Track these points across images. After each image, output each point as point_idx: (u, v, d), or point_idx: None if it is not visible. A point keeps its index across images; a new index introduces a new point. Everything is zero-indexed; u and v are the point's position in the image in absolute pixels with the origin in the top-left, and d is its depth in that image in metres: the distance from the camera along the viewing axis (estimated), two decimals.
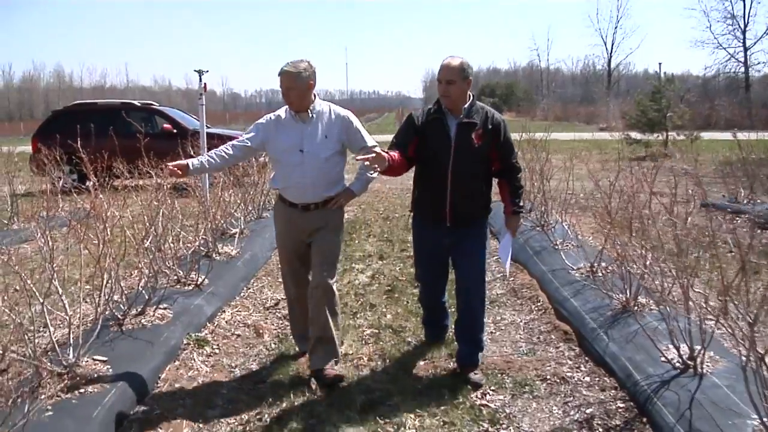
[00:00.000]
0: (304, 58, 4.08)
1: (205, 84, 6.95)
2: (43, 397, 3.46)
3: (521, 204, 4.29)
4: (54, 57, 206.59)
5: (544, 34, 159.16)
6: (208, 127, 15.48)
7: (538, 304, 5.49)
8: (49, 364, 3.75)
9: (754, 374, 2.83)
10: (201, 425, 3.64)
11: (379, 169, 3.83)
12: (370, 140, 4.21)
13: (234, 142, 4.28)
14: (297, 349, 4.66)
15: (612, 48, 64.33)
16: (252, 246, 7.26)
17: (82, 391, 3.64)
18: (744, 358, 2.93)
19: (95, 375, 3.84)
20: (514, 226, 4.29)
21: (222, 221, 7.35)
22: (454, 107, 4.00)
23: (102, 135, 12.49)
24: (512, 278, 6.25)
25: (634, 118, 19.15)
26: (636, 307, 4.50)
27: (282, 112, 4.23)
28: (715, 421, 3.03)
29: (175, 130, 14.43)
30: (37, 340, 3.81)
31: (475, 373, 4.12)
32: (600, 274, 5.28)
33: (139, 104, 15.94)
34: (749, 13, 43.66)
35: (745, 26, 43.68)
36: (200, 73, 6.87)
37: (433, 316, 4.67)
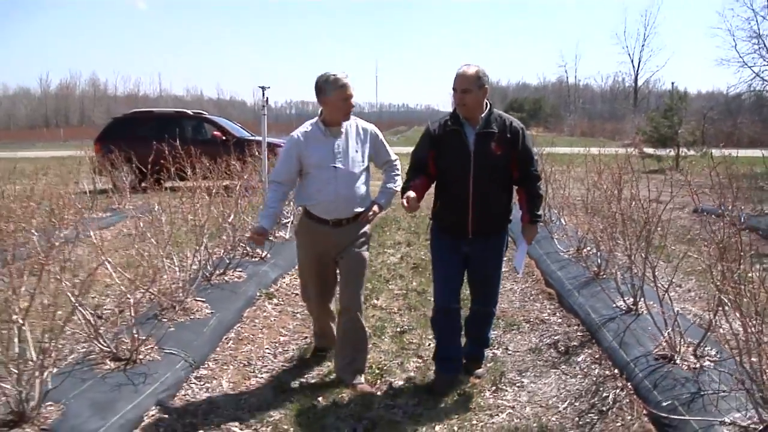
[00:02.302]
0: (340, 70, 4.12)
1: (267, 98, 8.37)
2: (165, 320, 4.92)
3: (539, 213, 4.29)
4: (89, 65, 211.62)
5: (572, 50, 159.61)
6: (251, 135, 17.09)
7: (533, 277, 6.87)
8: (165, 300, 5.22)
9: (663, 312, 4.20)
10: (276, 344, 5.08)
11: (412, 211, 3.98)
12: (392, 153, 4.37)
13: (273, 181, 4.29)
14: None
15: (639, 65, 65.19)
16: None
17: (192, 317, 5.09)
18: (660, 300, 4.29)
19: (199, 309, 5.30)
20: (531, 236, 4.27)
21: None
22: (471, 116, 3.97)
23: (157, 140, 14.14)
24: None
25: (647, 134, 20.34)
26: (603, 276, 5.85)
27: (309, 126, 4.22)
28: (638, 340, 4.39)
29: (224, 137, 15.91)
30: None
31: (478, 368, 4.47)
32: (583, 255, 6.65)
33: (191, 113, 17.46)
34: None
35: None
36: (263, 88, 8.30)
37: (447, 343, 4.30)
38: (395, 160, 4.37)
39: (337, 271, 4.37)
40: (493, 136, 3.95)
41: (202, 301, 5.45)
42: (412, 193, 3.91)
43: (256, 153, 9.60)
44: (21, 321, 3.36)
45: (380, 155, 4.34)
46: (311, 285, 4.46)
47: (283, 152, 4.28)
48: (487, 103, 4.01)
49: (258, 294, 6.18)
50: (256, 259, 7.02)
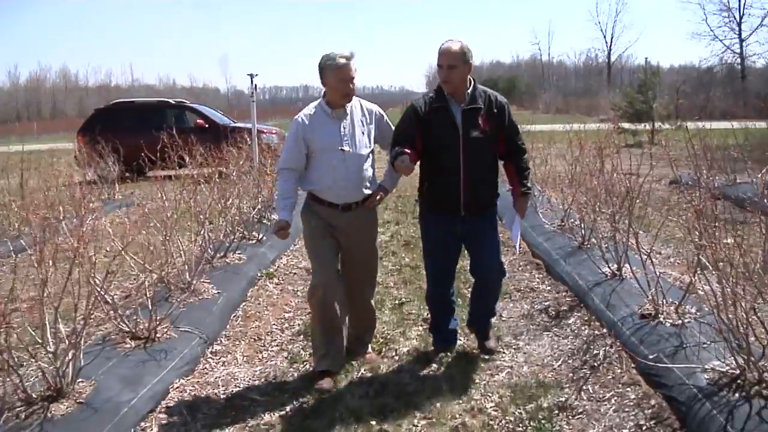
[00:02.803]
0: (346, 50, 4.02)
1: (255, 85, 8.58)
2: (174, 303, 5.15)
3: (529, 185, 4.31)
4: (60, 57, 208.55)
5: (545, 28, 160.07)
6: (233, 122, 17.21)
7: (521, 249, 7.17)
8: (174, 282, 5.45)
9: (646, 274, 4.53)
10: (282, 320, 5.34)
11: (406, 174, 3.88)
12: None
13: (284, 169, 4.17)
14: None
15: (611, 42, 65.73)
16: (295, 216, 8.95)
17: (200, 298, 5.33)
18: (643, 264, 4.62)
19: (206, 290, 5.54)
20: (523, 207, 4.30)
21: (271, 197, 9.03)
22: (456, 93, 3.97)
23: (140, 130, 14.26)
24: (501, 234, 7.93)
25: (622, 110, 20.76)
26: (587, 245, 6.17)
27: (312, 108, 4.14)
28: (623, 301, 4.71)
29: (207, 125, 16.00)
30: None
31: (488, 340, 4.48)
32: (567, 226, 6.97)
33: (173, 102, 17.51)
34: (744, 4, 45.01)
35: (741, 18, 45.07)
36: (251, 76, 8.52)
37: (442, 318, 4.46)
38: None
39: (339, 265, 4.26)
40: (479, 112, 3.96)
41: (208, 283, 5.69)
42: (406, 156, 3.78)
43: (240, 139, 9.74)
44: (55, 305, 3.58)
45: (386, 137, 4.24)
46: (319, 251, 4.17)
47: (289, 137, 4.19)
48: (470, 79, 4.01)
49: (259, 274, 6.44)
50: (254, 242, 7.26)
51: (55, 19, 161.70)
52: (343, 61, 3.93)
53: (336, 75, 3.95)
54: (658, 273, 4.53)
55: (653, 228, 7.38)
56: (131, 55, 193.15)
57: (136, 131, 14.49)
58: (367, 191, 4.13)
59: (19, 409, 3.40)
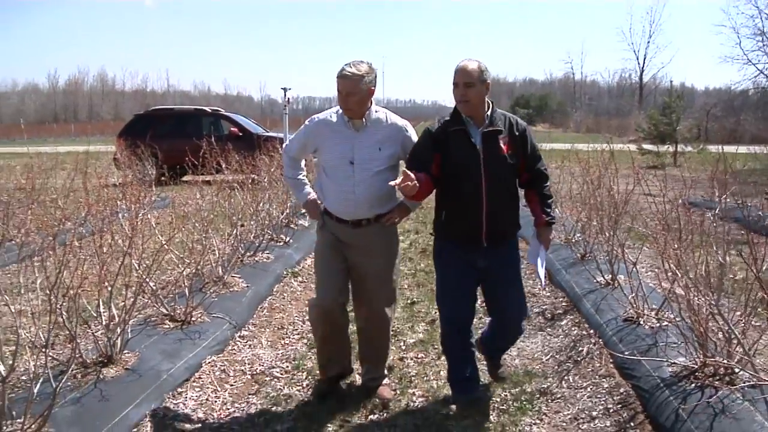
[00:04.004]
0: (364, 60, 3.77)
1: (288, 98, 9.19)
2: (208, 293, 5.74)
3: (553, 214, 3.97)
4: (98, 61, 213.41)
5: (578, 47, 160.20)
6: (266, 132, 17.88)
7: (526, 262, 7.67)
8: (208, 274, 6.05)
9: (630, 283, 5.02)
10: (303, 313, 5.90)
11: (407, 194, 3.54)
12: None
13: (288, 155, 4.17)
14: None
15: (644, 62, 65.80)
16: None
17: (231, 290, 5.93)
18: (628, 273, 5.11)
19: (236, 283, 6.13)
20: (547, 238, 4.01)
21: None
22: (474, 114, 3.71)
23: (177, 136, 15.01)
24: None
25: (645, 131, 21.12)
26: (588, 258, 6.66)
27: (331, 114, 3.92)
28: (611, 307, 5.20)
29: (240, 134, 16.68)
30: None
31: (500, 369, 4.35)
32: (572, 241, 7.45)
33: (209, 110, 18.23)
34: None
35: None
36: (285, 89, 9.13)
37: (459, 366, 3.98)
38: None
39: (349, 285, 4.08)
40: (500, 134, 3.70)
41: (239, 277, 6.29)
42: (412, 176, 3.45)
43: (272, 148, 10.35)
44: (110, 286, 4.19)
45: None
46: (323, 268, 4.03)
47: (300, 131, 4.08)
48: (489, 102, 3.76)
49: (284, 273, 7.03)
50: (281, 244, 7.86)
51: (93, 23, 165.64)
52: (342, 72, 3.69)
53: (337, 86, 3.73)
54: (641, 282, 5.01)
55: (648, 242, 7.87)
56: (167, 61, 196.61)
57: (174, 137, 15.31)
58: (381, 210, 3.88)
59: (75, 371, 4.00)
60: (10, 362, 3.23)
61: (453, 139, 3.71)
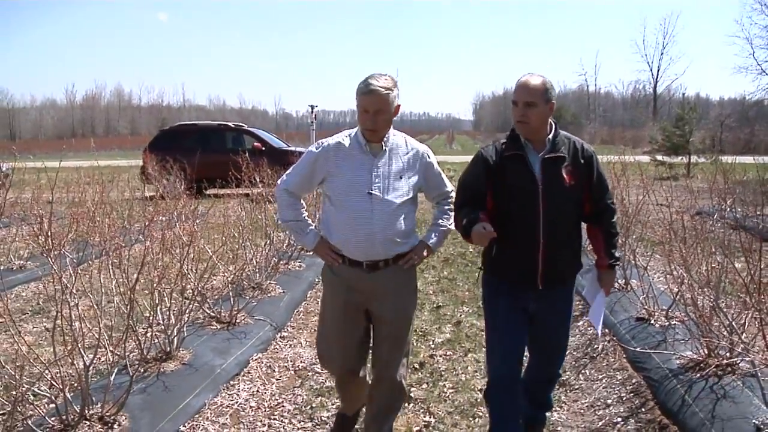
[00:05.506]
0: (384, 72, 3.24)
1: (315, 114, 9.66)
2: (248, 298, 6.18)
3: (618, 255, 3.50)
4: (114, 76, 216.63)
5: (592, 58, 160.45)
6: (287, 146, 18.35)
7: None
8: (248, 281, 6.51)
9: (642, 286, 5.42)
10: None
11: (485, 244, 3.19)
12: (448, 183, 3.52)
13: (285, 190, 3.43)
14: None
15: (658, 73, 66.06)
16: None
17: (269, 295, 6.39)
18: (640, 277, 5.51)
19: (273, 289, 6.59)
20: (609, 283, 3.54)
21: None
22: (534, 137, 3.23)
23: (202, 151, 15.50)
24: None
25: (659, 143, 21.45)
26: None
27: (343, 137, 3.34)
28: (625, 308, 5.59)
29: (263, 148, 17.16)
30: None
31: None
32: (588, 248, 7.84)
33: (233, 125, 18.78)
34: None
35: None
36: (312, 107, 9.61)
37: (505, 419, 3.39)
38: (451, 191, 3.52)
39: (371, 330, 3.48)
40: (563, 162, 3.22)
41: (275, 284, 6.74)
42: (488, 223, 3.04)
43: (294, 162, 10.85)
44: (170, 287, 4.65)
45: (432, 185, 3.47)
46: (335, 340, 3.46)
47: (303, 160, 3.41)
48: (552, 123, 3.27)
49: (316, 279, 7.46)
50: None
51: (109, 39, 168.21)
52: (369, 87, 3.15)
53: (359, 102, 3.21)
54: (652, 285, 5.42)
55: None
56: (183, 76, 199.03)
57: (200, 151, 15.84)
58: (400, 249, 3.32)
59: (137, 365, 4.45)
60: (90, 355, 3.71)
61: (508, 166, 3.24)
